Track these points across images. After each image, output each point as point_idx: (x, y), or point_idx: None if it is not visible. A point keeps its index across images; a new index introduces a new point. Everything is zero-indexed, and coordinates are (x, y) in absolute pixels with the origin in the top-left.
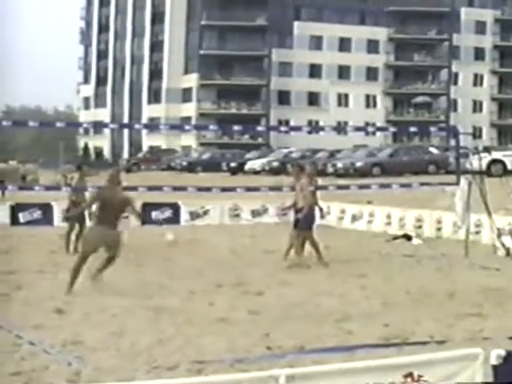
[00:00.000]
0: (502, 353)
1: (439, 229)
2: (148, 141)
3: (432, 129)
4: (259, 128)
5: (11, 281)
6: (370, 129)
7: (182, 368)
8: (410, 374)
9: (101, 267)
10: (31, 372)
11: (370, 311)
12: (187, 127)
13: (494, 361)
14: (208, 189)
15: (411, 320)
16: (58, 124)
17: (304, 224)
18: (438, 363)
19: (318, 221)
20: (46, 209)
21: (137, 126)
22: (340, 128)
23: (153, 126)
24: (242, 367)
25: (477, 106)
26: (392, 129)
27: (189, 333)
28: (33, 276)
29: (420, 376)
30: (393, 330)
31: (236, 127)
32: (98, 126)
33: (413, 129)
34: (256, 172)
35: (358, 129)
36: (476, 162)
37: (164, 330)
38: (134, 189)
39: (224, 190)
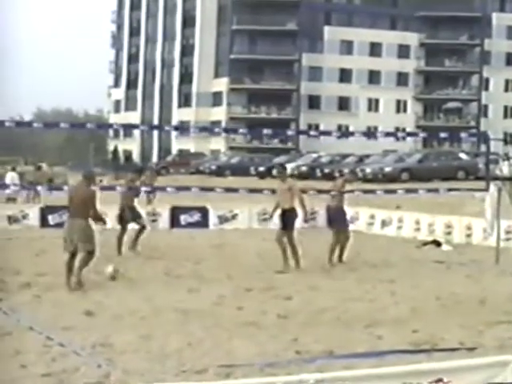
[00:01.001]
0: None
1: (469, 235)
2: (177, 144)
3: (462, 134)
4: (289, 132)
5: (41, 283)
6: (400, 134)
7: (211, 372)
8: (440, 380)
9: (80, 266)
10: (61, 373)
11: (399, 317)
12: (217, 130)
13: None
14: (235, 190)
15: (441, 326)
16: (89, 125)
17: (290, 225)
18: (467, 370)
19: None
20: None
21: (167, 128)
22: (370, 133)
23: (183, 128)
24: (271, 371)
25: (508, 112)
26: (422, 134)
27: (218, 336)
28: (63, 279)
29: (449, 382)
30: (422, 336)
31: (266, 131)
32: (128, 128)
33: (443, 134)
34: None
35: (388, 134)
36: (506, 168)
37: (193, 333)
38: (163, 189)
39: (251, 191)
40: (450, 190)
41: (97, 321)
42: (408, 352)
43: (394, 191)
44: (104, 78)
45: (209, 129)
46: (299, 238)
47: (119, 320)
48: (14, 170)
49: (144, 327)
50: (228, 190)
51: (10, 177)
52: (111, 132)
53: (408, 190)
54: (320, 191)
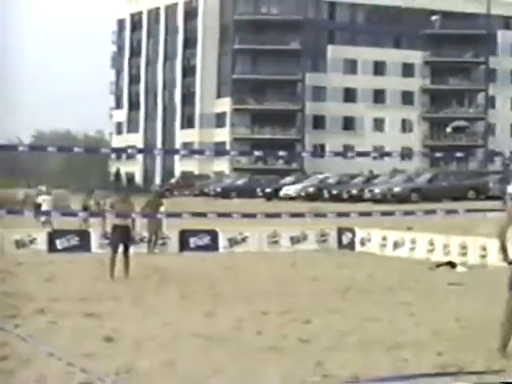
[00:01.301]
0: None
1: (484, 256)
2: (180, 166)
3: (479, 153)
4: (304, 154)
5: (55, 309)
6: (415, 154)
7: None
8: None
9: None
10: None
11: (420, 339)
12: (233, 152)
13: None
14: (252, 215)
15: (464, 349)
16: (103, 150)
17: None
18: None
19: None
20: (83, 235)
21: (183, 152)
22: (384, 153)
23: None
24: None
25: None
26: (438, 154)
27: (242, 362)
28: (77, 304)
29: None
30: (448, 359)
31: (281, 153)
32: (147, 152)
33: (459, 154)
34: (291, 198)
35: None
36: None
37: (216, 359)
38: (178, 215)
39: (268, 216)
40: (468, 210)
41: (117, 347)
42: (437, 375)
43: (412, 213)
44: (104, 99)
45: (224, 152)
46: None
47: (140, 346)
48: (48, 193)
49: (166, 353)
50: (245, 215)
51: (43, 200)
52: (113, 154)
53: (426, 212)
54: None
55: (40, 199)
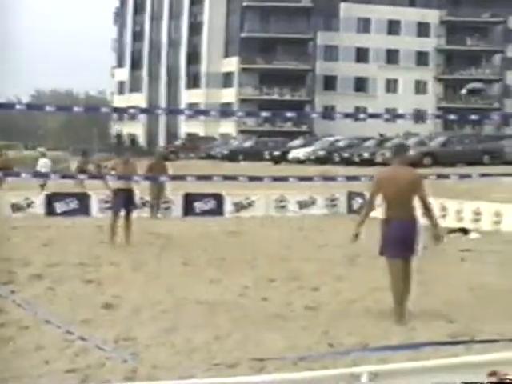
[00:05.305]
0: None
1: (498, 222)
2: (185, 128)
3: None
4: (313, 115)
5: (53, 274)
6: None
7: (244, 365)
8: (495, 373)
9: None
10: (86, 369)
11: (431, 308)
12: (240, 113)
13: None
14: (259, 178)
15: (477, 317)
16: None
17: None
18: None
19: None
20: (83, 199)
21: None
22: (397, 115)
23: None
24: (305, 365)
25: None
26: (452, 116)
27: (246, 329)
28: (76, 270)
29: (506, 374)
30: (459, 328)
31: (289, 114)
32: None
33: (474, 117)
34: (300, 161)
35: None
36: None
37: (219, 326)
38: (182, 178)
39: (276, 179)
40: (482, 175)
41: (117, 314)
42: (446, 344)
43: (424, 177)
44: (106, 57)
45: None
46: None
47: (140, 313)
48: (44, 155)
49: (167, 320)
50: (252, 179)
51: (43, 163)
52: (115, 115)
53: (439, 176)
54: None
55: (41, 162)
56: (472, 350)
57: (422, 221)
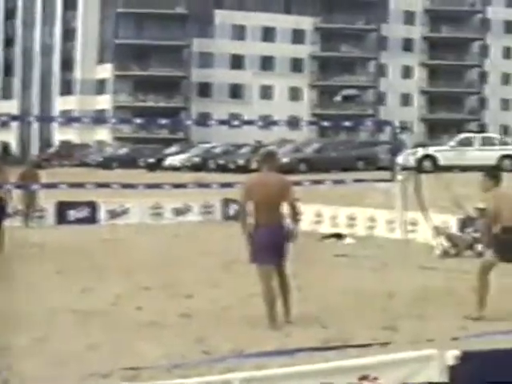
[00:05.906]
0: (458, 353)
1: (372, 227)
2: (59, 135)
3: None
4: (188, 122)
5: None
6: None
7: (116, 375)
8: (366, 377)
9: None
10: None
11: (306, 313)
12: (113, 120)
13: (450, 361)
14: (132, 186)
15: (350, 323)
16: None
17: None
18: (393, 365)
19: None
20: None
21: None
22: (271, 122)
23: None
24: (179, 373)
25: (405, 100)
26: (326, 123)
27: (119, 338)
28: None
29: (375, 378)
30: (332, 333)
31: (163, 121)
32: (20, 119)
33: (347, 123)
34: (176, 168)
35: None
36: (408, 158)
37: (92, 335)
38: (54, 186)
39: (150, 186)
40: (356, 180)
41: None
42: (320, 349)
43: (299, 183)
44: None
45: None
46: None
47: (12, 323)
48: None
49: (39, 330)
50: (125, 186)
51: None
52: None
53: (314, 182)
54: None
55: None
56: (345, 355)
57: (291, 226)
